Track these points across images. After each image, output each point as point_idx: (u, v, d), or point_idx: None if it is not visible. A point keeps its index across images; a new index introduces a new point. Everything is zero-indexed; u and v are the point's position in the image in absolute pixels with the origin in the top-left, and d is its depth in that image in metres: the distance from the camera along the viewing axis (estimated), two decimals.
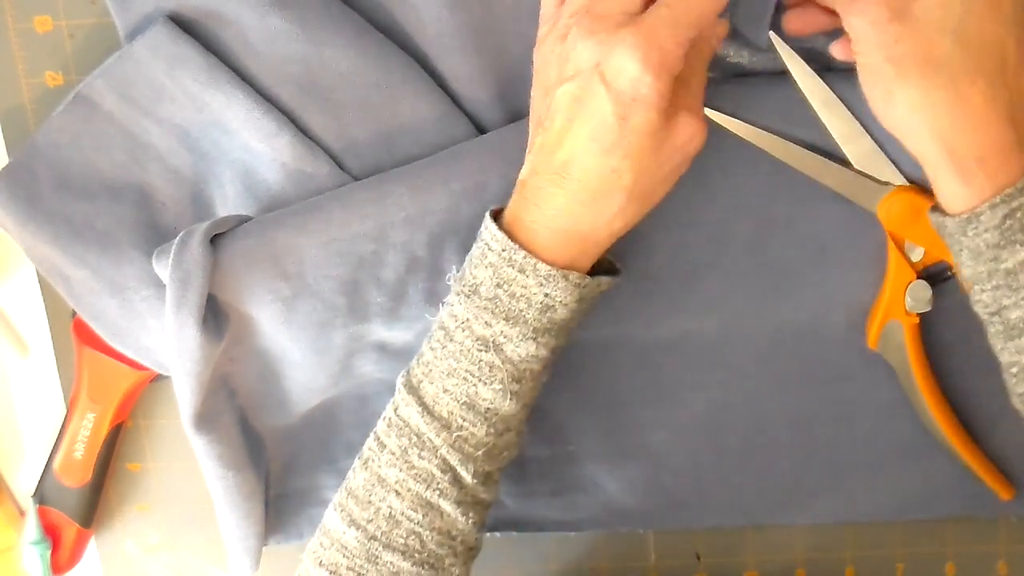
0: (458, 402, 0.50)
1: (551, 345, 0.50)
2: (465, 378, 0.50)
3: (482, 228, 0.50)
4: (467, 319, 0.49)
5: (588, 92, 0.46)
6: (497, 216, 0.50)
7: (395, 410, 0.51)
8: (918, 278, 0.56)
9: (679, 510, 0.62)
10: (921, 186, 0.55)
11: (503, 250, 0.48)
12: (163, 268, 0.53)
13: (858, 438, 0.60)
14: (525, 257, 0.48)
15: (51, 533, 0.64)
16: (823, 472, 0.61)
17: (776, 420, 0.60)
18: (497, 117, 0.56)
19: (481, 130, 0.56)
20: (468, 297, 0.49)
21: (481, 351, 0.49)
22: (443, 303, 0.52)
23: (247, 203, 0.57)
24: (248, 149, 0.56)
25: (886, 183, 0.55)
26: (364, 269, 0.54)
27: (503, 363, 0.49)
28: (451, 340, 0.50)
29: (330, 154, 0.55)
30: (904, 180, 0.55)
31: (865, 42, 0.47)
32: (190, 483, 0.65)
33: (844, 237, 0.57)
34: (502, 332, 0.49)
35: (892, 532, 0.63)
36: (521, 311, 0.49)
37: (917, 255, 0.56)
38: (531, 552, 0.64)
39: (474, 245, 0.51)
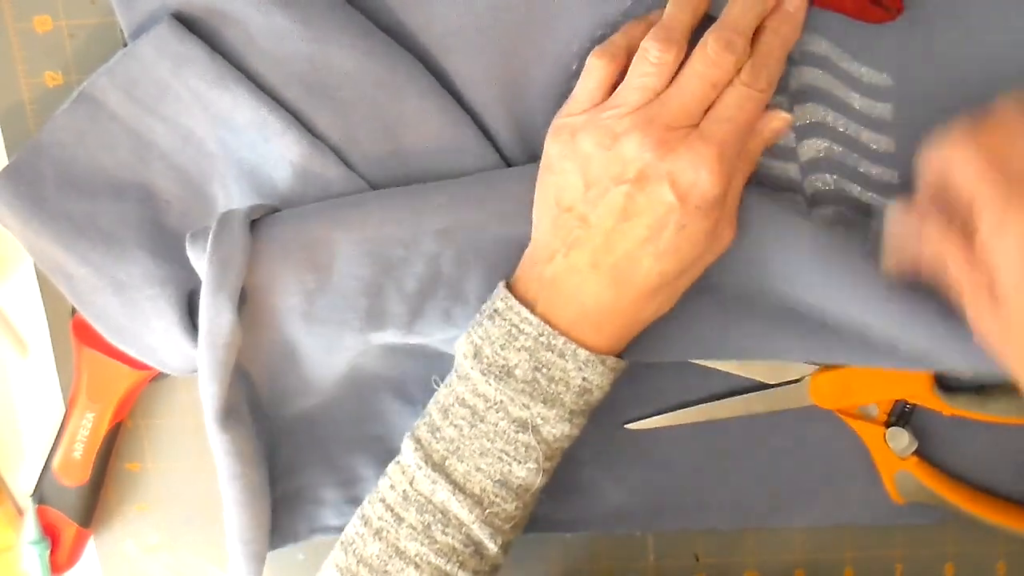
0: (491, 480, 0.51)
1: (582, 425, 0.52)
2: (500, 457, 0.51)
3: (502, 308, 0.51)
4: (501, 401, 0.51)
5: (654, 198, 0.48)
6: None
7: (411, 483, 0.52)
8: (888, 427, 0.59)
9: (677, 512, 0.62)
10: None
11: (540, 335, 0.50)
12: (198, 252, 0.53)
13: (856, 440, 0.60)
14: (565, 342, 0.50)
15: (50, 533, 0.64)
16: (821, 474, 0.61)
17: (774, 422, 0.60)
18: (500, 117, 0.56)
19: (484, 130, 0.56)
20: (501, 379, 0.50)
21: (518, 432, 0.51)
22: (456, 375, 0.52)
23: (252, 202, 0.56)
24: (253, 148, 0.56)
25: (800, 378, 0.58)
26: (390, 274, 0.54)
27: (539, 443, 0.51)
28: (482, 420, 0.51)
29: (336, 152, 0.55)
30: (812, 366, 0.58)
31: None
32: (190, 483, 0.65)
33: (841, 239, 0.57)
34: (539, 414, 0.51)
35: (892, 532, 0.63)
36: (559, 394, 0.51)
37: (874, 411, 0.59)
38: (531, 552, 0.64)
39: (487, 324, 0.51)
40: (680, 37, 0.49)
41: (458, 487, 0.51)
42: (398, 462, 0.53)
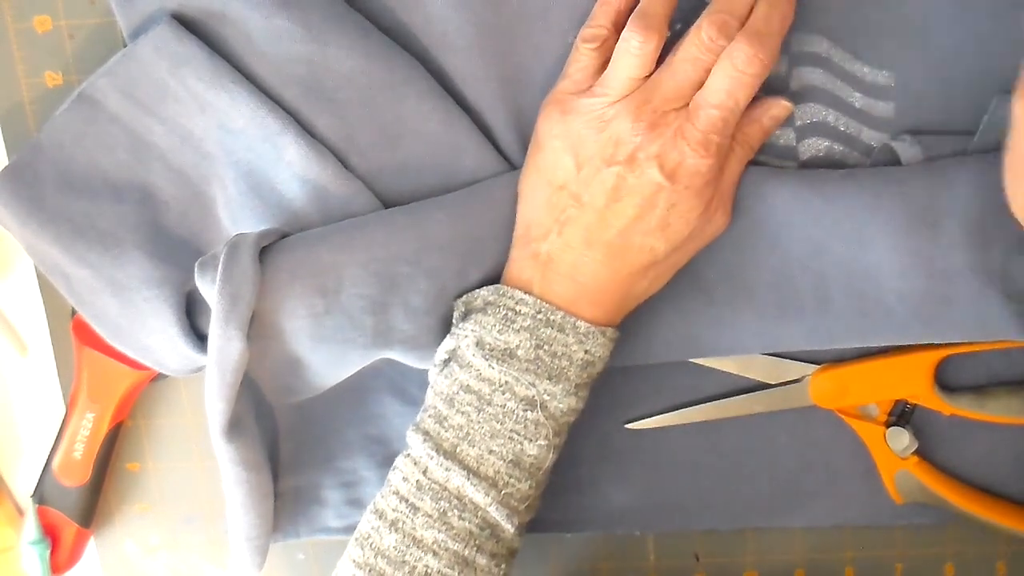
0: (504, 461, 0.52)
1: (586, 398, 0.53)
2: (510, 437, 0.52)
3: (493, 298, 0.52)
4: (506, 382, 0.51)
5: (643, 179, 0.50)
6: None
7: (424, 472, 0.52)
8: (888, 427, 0.59)
9: (676, 512, 0.62)
10: (827, 363, 0.59)
11: (538, 312, 0.51)
12: (207, 282, 0.52)
13: (855, 440, 0.60)
14: (564, 316, 0.51)
15: (50, 533, 0.64)
16: (821, 474, 0.61)
17: (774, 422, 0.60)
18: (500, 115, 0.56)
19: (484, 128, 0.56)
20: (503, 361, 0.51)
21: (527, 411, 0.51)
22: (457, 366, 0.52)
23: (251, 203, 0.56)
24: (252, 149, 0.55)
25: (800, 377, 0.59)
26: (395, 292, 0.54)
27: (547, 419, 0.52)
28: (489, 404, 0.52)
29: (334, 153, 0.55)
30: (812, 366, 0.59)
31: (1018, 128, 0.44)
32: (190, 483, 0.65)
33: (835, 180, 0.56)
34: (546, 391, 0.51)
35: (892, 532, 0.63)
36: (563, 369, 0.52)
37: (874, 411, 0.59)
38: (531, 552, 0.64)
39: (479, 316, 0.52)
40: (659, 23, 0.50)
41: (472, 471, 0.51)
42: (407, 455, 0.53)
